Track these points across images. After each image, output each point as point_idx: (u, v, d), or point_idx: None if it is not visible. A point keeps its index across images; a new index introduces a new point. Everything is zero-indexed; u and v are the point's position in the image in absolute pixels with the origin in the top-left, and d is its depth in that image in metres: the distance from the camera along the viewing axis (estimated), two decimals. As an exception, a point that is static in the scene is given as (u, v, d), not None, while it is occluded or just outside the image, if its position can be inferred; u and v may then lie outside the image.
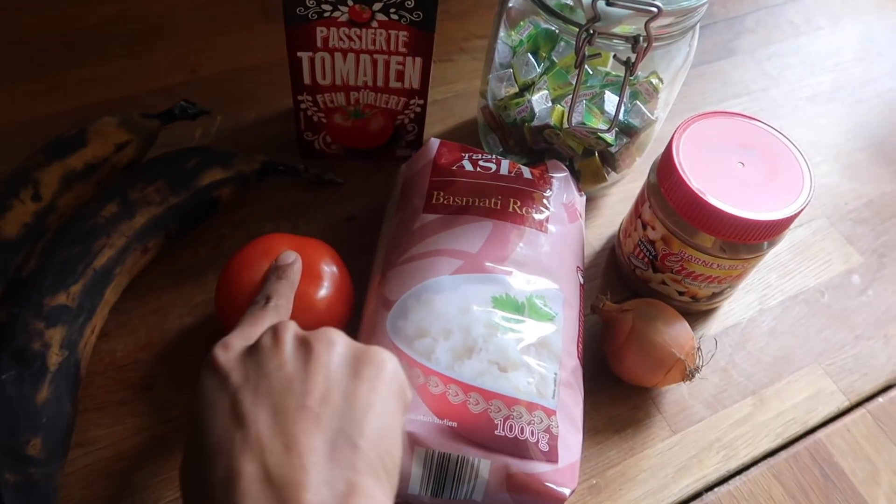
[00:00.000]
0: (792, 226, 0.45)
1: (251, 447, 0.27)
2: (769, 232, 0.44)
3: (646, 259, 0.50)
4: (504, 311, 0.41)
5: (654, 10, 0.40)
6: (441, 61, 0.66)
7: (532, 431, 0.38)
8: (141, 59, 0.63)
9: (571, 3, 0.44)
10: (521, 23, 0.52)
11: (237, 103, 0.61)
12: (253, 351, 0.32)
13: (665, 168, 0.46)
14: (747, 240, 0.45)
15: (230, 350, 0.32)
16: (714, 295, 0.50)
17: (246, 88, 0.62)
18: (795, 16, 0.78)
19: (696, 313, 0.52)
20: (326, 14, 0.46)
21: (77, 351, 0.42)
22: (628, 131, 0.52)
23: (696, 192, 0.44)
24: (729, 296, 0.52)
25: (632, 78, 0.45)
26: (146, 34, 0.65)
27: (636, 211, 0.50)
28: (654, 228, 0.48)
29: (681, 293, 0.50)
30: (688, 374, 0.44)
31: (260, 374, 0.30)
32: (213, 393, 0.30)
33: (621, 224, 0.54)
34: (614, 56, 0.45)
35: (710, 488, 0.45)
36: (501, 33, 0.52)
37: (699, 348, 0.45)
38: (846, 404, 0.50)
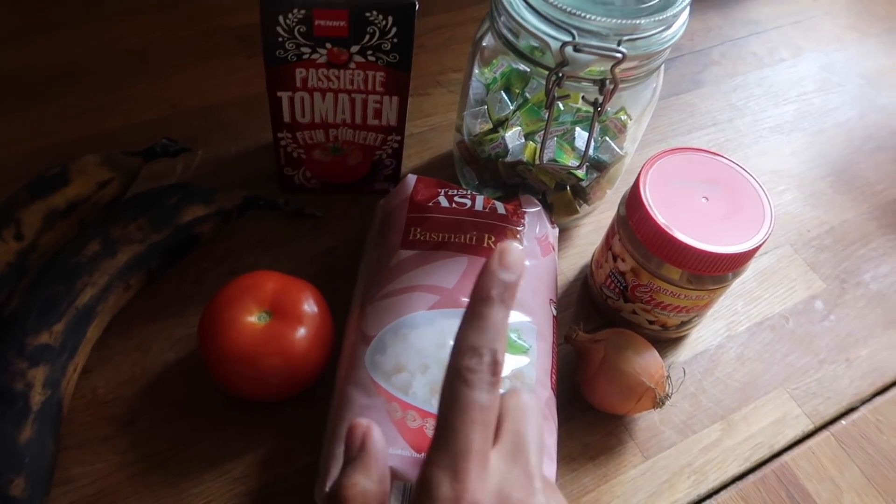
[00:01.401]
0: (757, 254, 0.47)
1: None
2: (732, 264, 0.46)
3: (617, 289, 0.51)
4: (479, 344, 0.42)
5: (619, 55, 0.42)
6: (418, 95, 0.68)
7: (507, 463, 0.39)
8: (121, 93, 0.64)
9: (540, 47, 0.45)
10: (495, 61, 0.54)
11: (218, 137, 0.62)
12: None
13: (633, 203, 0.48)
14: (712, 272, 0.46)
15: None
16: (683, 323, 0.52)
17: (226, 122, 0.63)
18: (759, 48, 0.81)
19: (667, 341, 0.54)
20: (305, 56, 0.47)
21: (59, 389, 0.42)
22: (598, 166, 0.54)
23: (663, 226, 0.46)
24: (697, 324, 0.54)
25: (600, 116, 0.47)
26: (126, 69, 0.66)
27: (607, 243, 0.52)
28: (623, 260, 0.50)
29: (651, 322, 0.52)
30: (658, 402, 0.46)
31: None
32: None
33: (593, 255, 0.56)
34: (583, 97, 0.47)
35: (681, 513, 0.47)
36: (475, 71, 0.54)
37: (668, 376, 0.47)
38: (811, 427, 0.52)
